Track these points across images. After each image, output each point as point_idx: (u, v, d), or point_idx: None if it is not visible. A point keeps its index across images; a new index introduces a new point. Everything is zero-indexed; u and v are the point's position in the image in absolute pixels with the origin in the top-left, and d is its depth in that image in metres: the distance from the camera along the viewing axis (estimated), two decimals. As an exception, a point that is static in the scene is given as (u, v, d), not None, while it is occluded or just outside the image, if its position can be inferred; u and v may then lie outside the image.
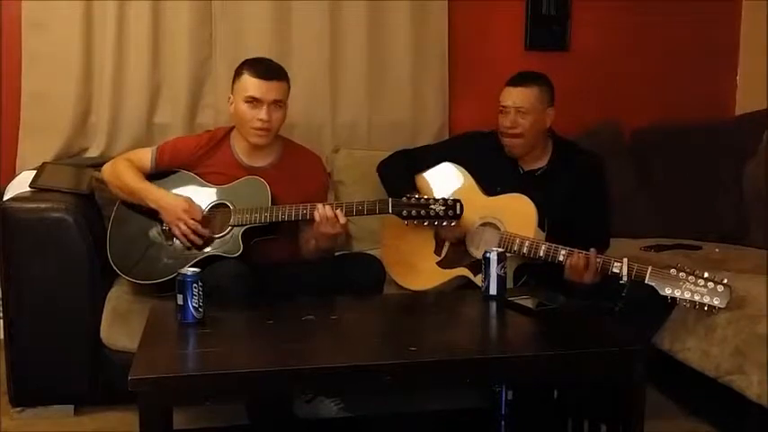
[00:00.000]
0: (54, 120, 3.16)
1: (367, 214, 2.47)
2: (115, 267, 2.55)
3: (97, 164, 2.94)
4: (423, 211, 2.40)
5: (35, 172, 2.79)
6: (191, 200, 2.52)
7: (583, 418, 2.30)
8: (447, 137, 3.48)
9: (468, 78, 3.61)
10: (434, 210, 2.39)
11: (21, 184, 2.77)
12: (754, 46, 3.81)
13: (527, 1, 3.65)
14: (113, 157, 2.81)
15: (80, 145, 3.22)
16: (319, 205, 2.42)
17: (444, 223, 2.43)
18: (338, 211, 2.40)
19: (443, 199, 2.40)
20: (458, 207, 2.40)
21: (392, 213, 2.43)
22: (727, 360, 2.35)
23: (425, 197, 2.42)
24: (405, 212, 2.40)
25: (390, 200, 2.45)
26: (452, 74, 3.58)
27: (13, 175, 3.02)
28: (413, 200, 2.41)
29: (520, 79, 2.72)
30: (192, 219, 2.47)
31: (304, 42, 3.36)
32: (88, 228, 2.59)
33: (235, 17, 3.30)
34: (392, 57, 3.48)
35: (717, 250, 3.17)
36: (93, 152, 3.21)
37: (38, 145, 3.13)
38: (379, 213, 2.46)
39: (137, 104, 3.23)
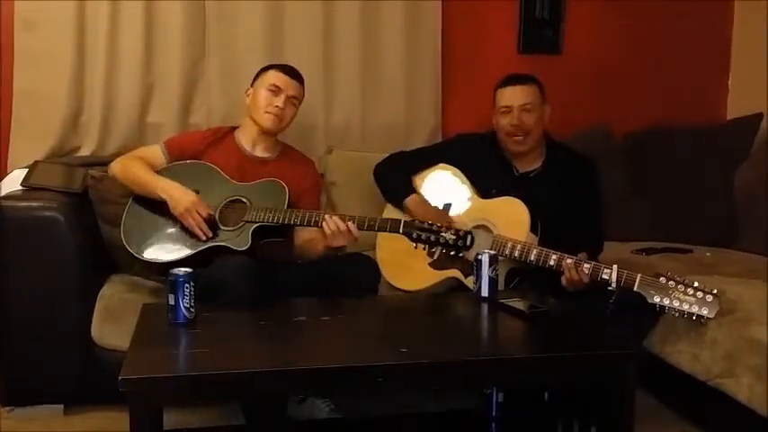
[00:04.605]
0: (46, 118, 3.13)
1: (378, 231, 2.54)
2: (127, 245, 2.57)
3: (89, 162, 2.95)
4: (432, 237, 2.40)
5: (27, 170, 2.78)
6: (198, 197, 2.55)
7: (573, 421, 2.30)
8: (440, 138, 3.49)
9: (461, 80, 3.61)
10: (444, 237, 2.38)
11: (12, 182, 2.76)
12: (746, 50, 3.83)
13: (520, 4, 3.65)
14: (105, 157, 2.83)
15: (72, 144, 3.20)
16: (335, 218, 2.45)
17: (452, 253, 2.43)
18: (350, 224, 2.44)
19: (456, 229, 2.40)
20: (468, 239, 2.39)
21: (402, 234, 2.44)
22: (718, 363, 2.36)
23: (438, 224, 2.41)
24: (415, 235, 2.42)
25: (402, 221, 2.46)
26: (445, 75, 3.57)
27: (4, 173, 3.01)
28: (425, 224, 2.42)
29: (518, 79, 2.73)
30: (198, 214, 2.51)
31: (297, 43, 3.35)
32: (80, 226, 2.59)
33: (228, 18, 3.29)
34: (385, 58, 3.47)
35: (707, 254, 3.18)
36: (84, 151, 3.19)
37: (29, 143, 3.11)
38: (390, 232, 2.47)
39: (129, 104, 3.21)
